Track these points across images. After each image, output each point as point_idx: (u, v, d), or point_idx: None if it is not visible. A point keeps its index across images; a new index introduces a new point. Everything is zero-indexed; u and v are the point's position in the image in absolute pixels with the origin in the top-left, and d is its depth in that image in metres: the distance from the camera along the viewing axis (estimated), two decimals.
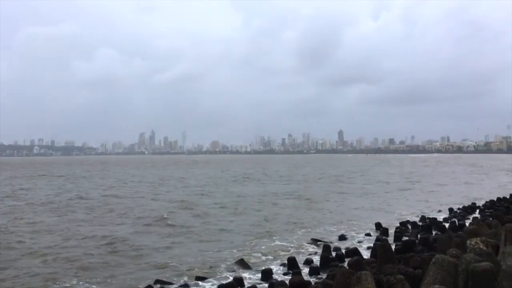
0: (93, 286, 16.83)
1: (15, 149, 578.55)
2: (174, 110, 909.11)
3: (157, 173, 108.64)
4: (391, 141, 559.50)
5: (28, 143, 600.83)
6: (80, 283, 17.16)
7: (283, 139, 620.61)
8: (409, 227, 27.93)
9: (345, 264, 17.46)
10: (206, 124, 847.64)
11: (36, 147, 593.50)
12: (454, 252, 11.69)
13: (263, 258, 20.94)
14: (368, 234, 25.95)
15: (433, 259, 10.54)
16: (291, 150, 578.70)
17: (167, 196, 49.85)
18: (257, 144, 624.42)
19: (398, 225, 28.28)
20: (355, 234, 26.52)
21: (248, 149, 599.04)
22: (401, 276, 10.76)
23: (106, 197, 48.09)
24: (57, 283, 17.17)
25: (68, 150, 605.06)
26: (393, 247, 18.93)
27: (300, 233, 27.15)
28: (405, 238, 22.94)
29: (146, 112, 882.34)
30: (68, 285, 17.03)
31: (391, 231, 26.00)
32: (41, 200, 45.60)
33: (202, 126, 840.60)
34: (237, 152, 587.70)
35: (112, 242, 24.50)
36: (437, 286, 9.33)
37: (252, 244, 24.00)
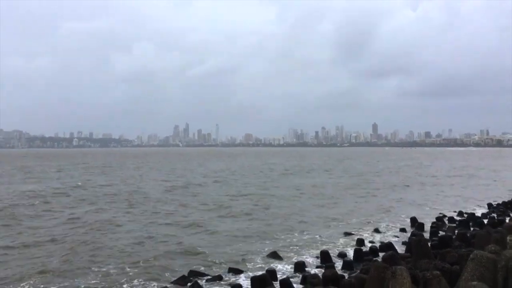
0: (128, 268, 17.27)
1: (56, 141, 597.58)
2: (208, 103, 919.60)
3: (203, 165, 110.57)
4: (427, 134, 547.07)
5: (67, 135, 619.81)
6: (116, 268, 17.63)
7: (316, 132, 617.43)
8: (446, 222, 27.33)
9: (379, 259, 17.28)
10: (239, 117, 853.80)
11: (75, 139, 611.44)
12: (493, 248, 11.39)
13: (296, 250, 20.93)
14: (403, 229, 25.51)
15: (471, 255, 10.30)
16: (324, 143, 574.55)
17: (221, 188, 50.20)
18: (290, 137, 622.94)
19: (435, 220, 27.71)
20: (389, 228, 26.14)
21: (281, 142, 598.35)
22: (438, 272, 10.56)
23: (162, 189, 49.18)
24: (93, 268, 17.69)
25: (105, 142, 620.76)
26: (428, 242, 18.60)
27: (334, 226, 26.99)
28: (441, 234, 22.45)
29: (181, 105, 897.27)
30: (104, 269, 17.53)
31: (427, 226, 25.50)
32: (107, 191, 46.39)
33: (235, 119, 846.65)
34: (270, 144, 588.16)
35: (153, 232, 25.08)
36: (475, 282, 9.11)
37: (285, 236, 24.03)
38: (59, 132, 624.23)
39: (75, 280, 16.56)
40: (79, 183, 55.52)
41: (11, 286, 15.96)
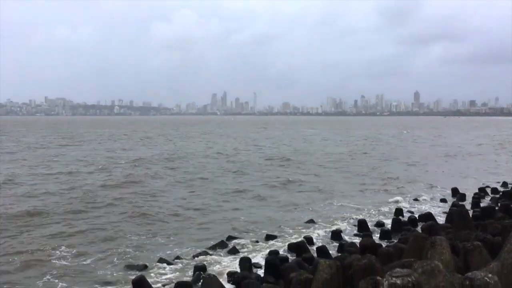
0: (171, 239, 17.90)
1: (98, 108, 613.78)
2: (246, 71, 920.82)
3: (263, 134, 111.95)
4: (472, 103, 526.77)
5: (109, 103, 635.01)
6: (156, 237, 18.27)
7: (355, 101, 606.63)
8: (489, 193, 26.58)
9: (418, 229, 17.10)
10: (277, 85, 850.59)
11: (117, 107, 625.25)
12: None
13: (333, 219, 20.96)
14: (443, 199, 25.04)
15: None
16: (363, 112, 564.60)
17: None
18: (328, 105, 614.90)
19: (477, 191, 26.99)
20: (429, 199, 25.71)
21: (319, 111, 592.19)
22: (479, 243, 10.36)
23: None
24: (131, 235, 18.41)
25: (145, 110, 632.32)
26: (470, 213, 18.21)
27: (372, 195, 26.83)
28: (483, 205, 21.90)
29: (219, 74, 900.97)
30: (144, 237, 18.19)
31: (469, 197, 24.89)
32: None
33: (273, 87, 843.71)
34: (308, 113, 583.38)
35: (199, 201, 25.70)
36: None
37: (323, 204, 24.09)
38: (101, 100, 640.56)
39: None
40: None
41: None
